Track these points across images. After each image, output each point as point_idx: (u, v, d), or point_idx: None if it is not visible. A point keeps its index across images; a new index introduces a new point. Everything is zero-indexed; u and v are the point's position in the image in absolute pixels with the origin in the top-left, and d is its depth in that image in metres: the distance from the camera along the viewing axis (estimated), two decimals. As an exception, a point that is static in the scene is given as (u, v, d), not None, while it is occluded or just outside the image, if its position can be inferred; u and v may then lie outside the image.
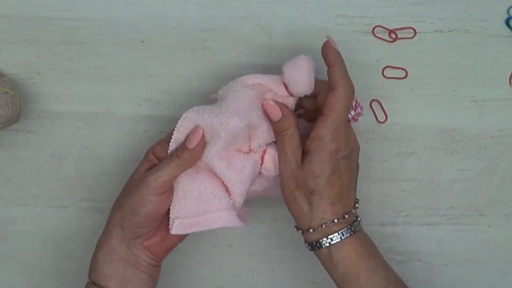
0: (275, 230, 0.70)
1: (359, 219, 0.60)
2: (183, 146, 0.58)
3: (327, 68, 0.59)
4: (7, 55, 0.68)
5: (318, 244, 0.59)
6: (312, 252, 0.67)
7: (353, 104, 0.60)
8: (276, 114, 0.60)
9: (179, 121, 0.59)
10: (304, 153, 0.59)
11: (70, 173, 0.69)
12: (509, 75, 0.69)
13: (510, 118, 0.69)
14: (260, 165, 0.61)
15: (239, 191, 0.60)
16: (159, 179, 0.58)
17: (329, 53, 0.60)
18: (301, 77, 0.60)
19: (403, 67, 0.69)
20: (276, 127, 0.60)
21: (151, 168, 0.59)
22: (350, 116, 0.60)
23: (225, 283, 0.70)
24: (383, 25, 0.68)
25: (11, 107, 0.64)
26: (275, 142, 0.61)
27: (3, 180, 0.69)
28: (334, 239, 0.58)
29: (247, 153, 0.61)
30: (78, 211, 0.69)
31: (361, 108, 0.61)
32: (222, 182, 0.60)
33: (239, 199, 0.60)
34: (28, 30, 0.68)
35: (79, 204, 0.69)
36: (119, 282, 0.59)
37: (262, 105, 0.60)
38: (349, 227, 0.58)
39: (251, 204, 0.69)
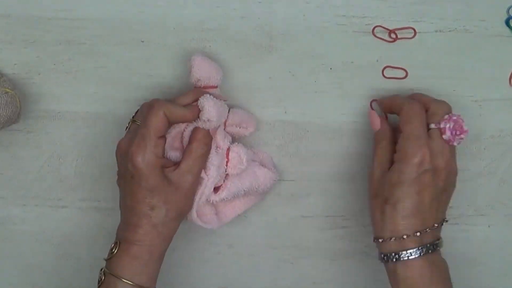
0: (275, 230, 0.70)
1: (438, 241, 0.59)
2: (209, 137, 0.62)
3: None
4: (7, 55, 0.68)
5: (386, 257, 0.59)
6: (313, 252, 0.68)
7: (451, 126, 0.59)
8: (376, 125, 0.63)
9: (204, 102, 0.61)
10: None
11: (70, 173, 0.69)
12: (509, 75, 0.69)
13: (510, 118, 0.69)
14: (226, 164, 0.64)
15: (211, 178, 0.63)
16: (194, 175, 0.61)
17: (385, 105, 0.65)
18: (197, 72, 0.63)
19: (403, 67, 0.69)
20: (374, 137, 0.63)
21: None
22: (447, 137, 0.59)
23: (225, 283, 0.70)
24: (383, 25, 0.68)
25: (11, 107, 0.64)
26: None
27: (3, 180, 0.69)
28: (402, 256, 0.57)
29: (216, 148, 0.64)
30: (78, 211, 0.69)
31: (460, 130, 0.60)
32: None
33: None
34: (28, 30, 0.68)
35: (79, 204, 0.69)
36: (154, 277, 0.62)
37: (369, 113, 0.65)
38: (421, 247, 0.57)
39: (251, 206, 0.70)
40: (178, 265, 0.70)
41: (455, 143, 0.60)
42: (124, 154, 0.60)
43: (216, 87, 0.65)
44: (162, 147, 0.60)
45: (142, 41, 0.68)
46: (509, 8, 0.68)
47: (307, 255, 0.70)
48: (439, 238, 0.60)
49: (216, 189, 0.64)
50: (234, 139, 0.67)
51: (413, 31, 0.68)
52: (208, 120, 0.60)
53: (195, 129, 0.61)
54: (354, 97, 0.68)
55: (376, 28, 0.68)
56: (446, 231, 0.69)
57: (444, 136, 0.59)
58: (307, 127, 0.69)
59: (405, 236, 0.57)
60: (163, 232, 0.60)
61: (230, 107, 0.66)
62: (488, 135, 0.69)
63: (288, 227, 0.70)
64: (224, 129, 0.65)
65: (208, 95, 0.61)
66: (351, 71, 0.68)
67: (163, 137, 0.60)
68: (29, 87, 0.68)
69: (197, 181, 0.62)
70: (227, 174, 0.64)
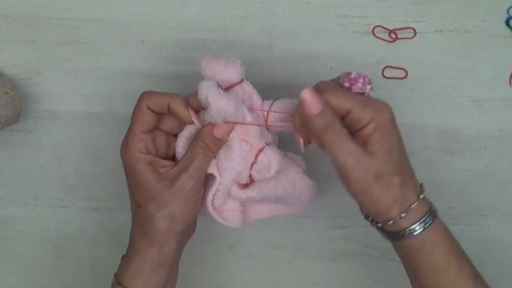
0: (275, 230, 0.70)
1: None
2: (211, 136, 0.56)
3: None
4: (7, 55, 0.68)
5: (411, 231, 0.53)
6: (313, 252, 0.67)
7: (361, 80, 0.54)
8: (315, 107, 0.52)
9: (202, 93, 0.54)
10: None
11: (70, 173, 0.69)
12: (509, 75, 0.69)
13: (510, 118, 0.69)
14: (252, 165, 0.57)
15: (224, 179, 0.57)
16: (194, 177, 0.56)
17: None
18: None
19: (403, 67, 0.69)
20: (316, 124, 0.52)
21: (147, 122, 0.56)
22: (366, 91, 0.55)
23: (225, 283, 0.70)
24: (383, 25, 0.68)
25: (11, 107, 0.64)
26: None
27: (3, 180, 0.69)
28: (427, 220, 0.53)
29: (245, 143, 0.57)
30: (78, 211, 0.69)
31: (363, 78, 0.55)
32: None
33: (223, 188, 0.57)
34: (28, 30, 0.68)
35: (78, 204, 0.69)
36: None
37: (300, 96, 0.52)
38: (433, 209, 0.54)
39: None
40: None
41: (367, 90, 0.55)
42: None
43: (238, 82, 0.58)
44: (149, 142, 0.56)
45: (142, 41, 0.68)
46: (509, 8, 0.68)
47: (307, 255, 0.70)
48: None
49: (244, 186, 0.58)
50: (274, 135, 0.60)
51: (413, 31, 0.68)
52: (217, 114, 0.54)
53: (202, 126, 0.56)
54: (354, 97, 0.68)
55: (376, 28, 0.68)
56: (446, 231, 0.69)
57: (366, 90, 0.55)
58: (307, 127, 0.69)
59: (421, 196, 0.53)
60: (149, 233, 0.56)
61: (274, 100, 0.59)
62: (488, 135, 0.69)
63: (288, 227, 0.70)
64: (266, 123, 0.58)
65: (205, 81, 0.54)
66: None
67: (151, 132, 0.57)
68: (29, 87, 0.68)
69: (193, 181, 0.56)
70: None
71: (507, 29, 0.69)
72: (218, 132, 0.56)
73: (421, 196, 0.54)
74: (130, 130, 0.57)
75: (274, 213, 0.62)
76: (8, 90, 0.64)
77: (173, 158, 0.59)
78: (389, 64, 0.69)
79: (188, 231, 0.59)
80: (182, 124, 0.58)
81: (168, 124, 0.59)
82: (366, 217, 0.57)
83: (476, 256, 0.70)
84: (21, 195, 0.69)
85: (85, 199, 0.69)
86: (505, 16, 0.69)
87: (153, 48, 0.68)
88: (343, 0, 0.68)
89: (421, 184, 0.56)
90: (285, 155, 0.60)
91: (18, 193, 0.69)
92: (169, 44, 0.68)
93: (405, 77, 0.69)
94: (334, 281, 0.70)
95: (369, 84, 0.55)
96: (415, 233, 0.53)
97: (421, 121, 0.69)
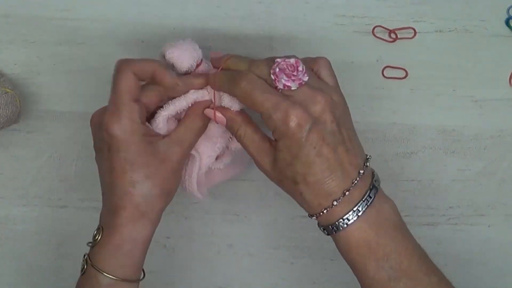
0: (275, 230, 0.70)
1: (374, 185, 0.53)
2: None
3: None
4: (7, 55, 0.68)
5: (326, 230, 0.54)
6: (313, 252, 0.67)
7: (278, 70, 0.53)
8: (221, 120, 0.56)
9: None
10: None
11: (70, 173, 0.69)
12: (509, 75, 0.69)
13: (510, 118, 0.69)
14: (230, 137, 0.60)
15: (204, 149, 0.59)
16: (186, 154, 0.56)
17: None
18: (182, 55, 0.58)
19: (403, 67, 0.69)
20: (229, 128, 0.57)
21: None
22: (282, 83, 0.53)
23: (225, 283, 0.70)
24: (383, 25, 0.68)
25: (11, 107, 0.64)
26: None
27: (3, 180, 0.69)
28: (341, 226, 0.52)
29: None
30: (78, 211, 0.69)
31: (292, 68, 0.53)
32: None
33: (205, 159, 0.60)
34: (28, 30, 0.68)
35: (79, 204, 0.69)
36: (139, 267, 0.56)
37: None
38: (355, 208, 0.52)
39: (251, 204, 0.70)
40: (178, 265, 0.70)
41: (292, 87, 0.52)
42: (98, 125, 0.55)
43: (200, 64, 0.59)
44: (140, 112, 0.54)
45: (142, 41, 0.68)
46: (509, 8, 0.68)
47: (307, 255, 0.70)
48: (371, 182, 0.54)
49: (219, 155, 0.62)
50: None
51: (413, 31, 0.68)
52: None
53: (195, 103, 0.57)
54: (354, 97, 0.68)
55: (376, 28, 0.68)
56: (446, 231, 0.70)
57: (279, 85, 0.53)
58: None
59: (335, 202, 0.52)
60: (147, 212, 0.54)
61: None
62: (488, 135, 0.69)
63: (288, 227, 0.70)
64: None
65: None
66: (351, 71, 0.68)
67: (138, 101, 0.54)
68: (29, 87, 0.68)
69: (185, 156, 0.56)
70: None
71: (507, 29, 0.69)
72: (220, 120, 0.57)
73: (335, 203, 0.52)
74: (118, 102, 0.53)
75: (225, 177, 0.63)
76: (8, 90, 0.64)
77: None
78: (389, 64, 0.69)
79: None
80: (160, 96, 0.57)
81: (147, 97, 0.56)
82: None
83: (476, 256, 0.70)
84: (21, 195, 0.69)
85: (85, 199, 0.69)
86: (505, 16, 0.69)
87: (153, 48, 0.68)
88: (343, 0, 0.68)
89: (367, 158, 0.55)
90: None
91: (18, 193, 0.69)
92: (169, 44, 0.68)
93: (405, 77, 0.69)
94: (334, 281, 0.70)
95: (296, 81, 0.53)
96: (349, 222, 0.52)
97: (421, 121, 0.69)
